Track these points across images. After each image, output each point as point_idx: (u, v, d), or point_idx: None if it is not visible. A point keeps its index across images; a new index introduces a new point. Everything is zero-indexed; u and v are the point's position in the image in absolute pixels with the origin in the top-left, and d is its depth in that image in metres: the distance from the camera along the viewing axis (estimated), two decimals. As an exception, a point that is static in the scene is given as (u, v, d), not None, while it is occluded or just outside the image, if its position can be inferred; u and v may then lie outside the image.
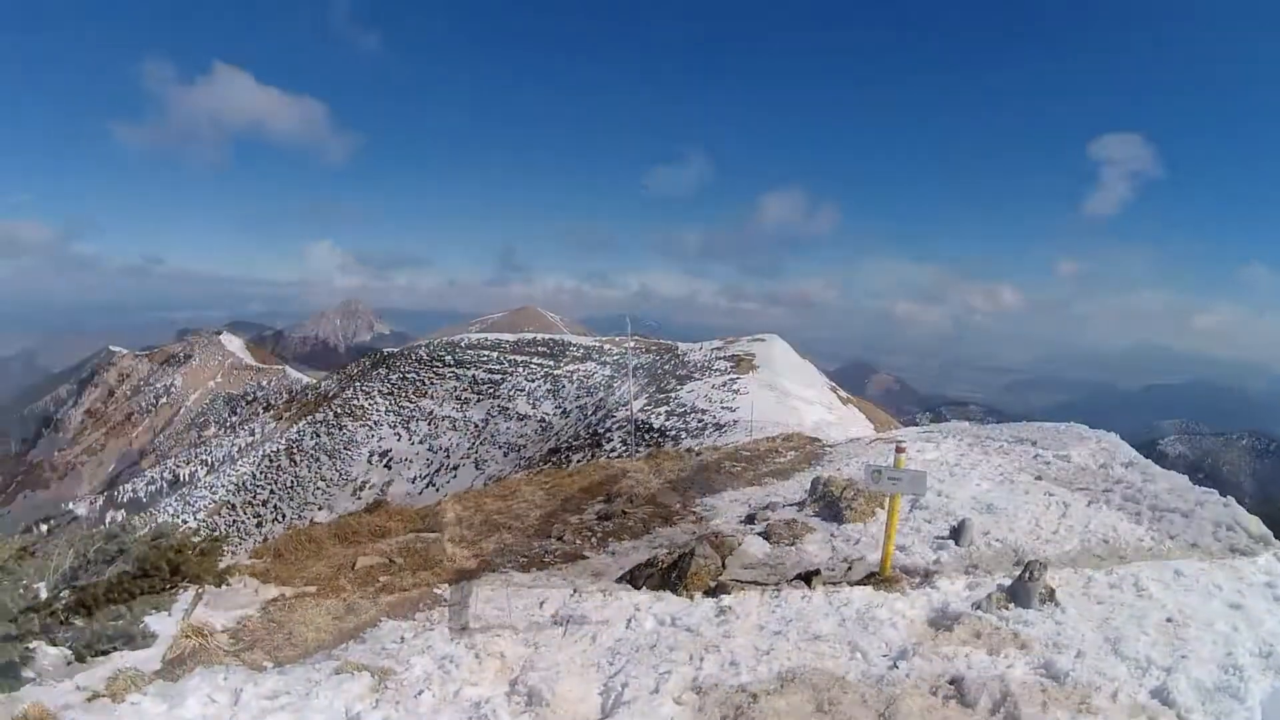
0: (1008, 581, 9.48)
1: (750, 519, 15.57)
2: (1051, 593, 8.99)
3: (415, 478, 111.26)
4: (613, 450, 66.20)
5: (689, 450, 43.42)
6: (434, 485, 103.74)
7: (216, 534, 15.99)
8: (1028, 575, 8.97)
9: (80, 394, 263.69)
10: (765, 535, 13.66)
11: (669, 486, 21.16)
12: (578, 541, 16.05)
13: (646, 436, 67.53)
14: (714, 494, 19.57)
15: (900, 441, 10.31)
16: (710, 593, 10.68)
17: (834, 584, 10.39)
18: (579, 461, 65.06)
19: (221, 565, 14.72)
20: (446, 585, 13.69)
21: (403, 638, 10.27)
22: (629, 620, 9.79)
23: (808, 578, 10.52)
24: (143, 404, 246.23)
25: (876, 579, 10.22)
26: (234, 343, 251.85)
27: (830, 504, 15.09)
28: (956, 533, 11.79)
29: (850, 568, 11.30)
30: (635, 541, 15.65)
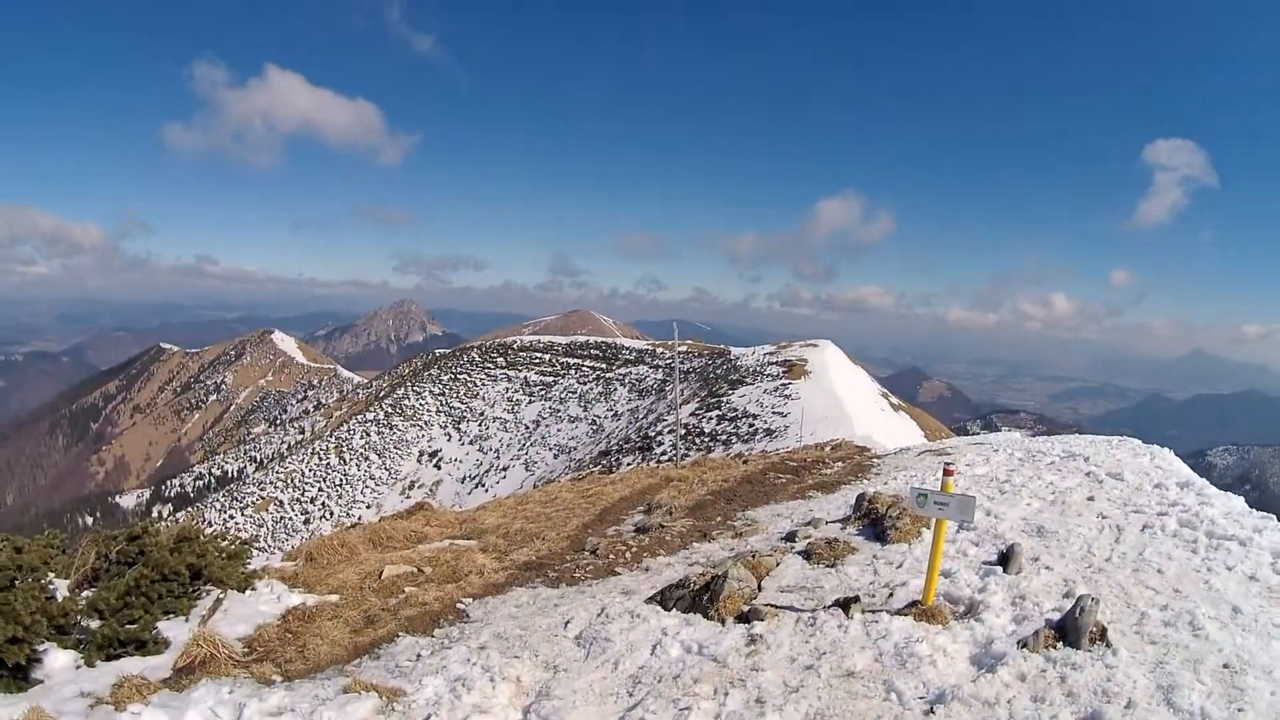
0: (1056, 615, 8.92)
1: (791, 536, 14.97)
2: (1103, 631, 8.42)
3: (465, 478, 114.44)
4: (663, 454, 67.22)
5: (736, 457, 43.13)
6: (483, 486, 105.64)
7: (245, 536, 15.64)
8: (1078, 611, 8.40)
9: (130, 389, 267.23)
10: (805, 555, 13.13)
11: (710, 498, 20.71)
12: (611, 556, 15.59)
13: (697, 441, 69.57)
14: (756, 507, 19.10)
15: (949, 463, 9.65)
16: (743, 618, 10.23)
17: (873, 612, 9.89)
18: (629, 465, 66.74)
19: (251, 567, 14.70)
20: (471, 600, 13.35)
21: (419, 655, 10.00)
22: (655, 646, 9.43)
23: (846, 604, 9.99)
24: (192, 400, 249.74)
25: (918, 609, 9.66)
26: (286, 342, 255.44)
27: (875, 522, 14.54)
28: (1004, 559, 11.16)
29: (891, 594, 10.72)
30: (670, 558, 15.16)
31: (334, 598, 14.00)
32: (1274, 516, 12.98)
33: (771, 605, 10.54)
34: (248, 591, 13.58)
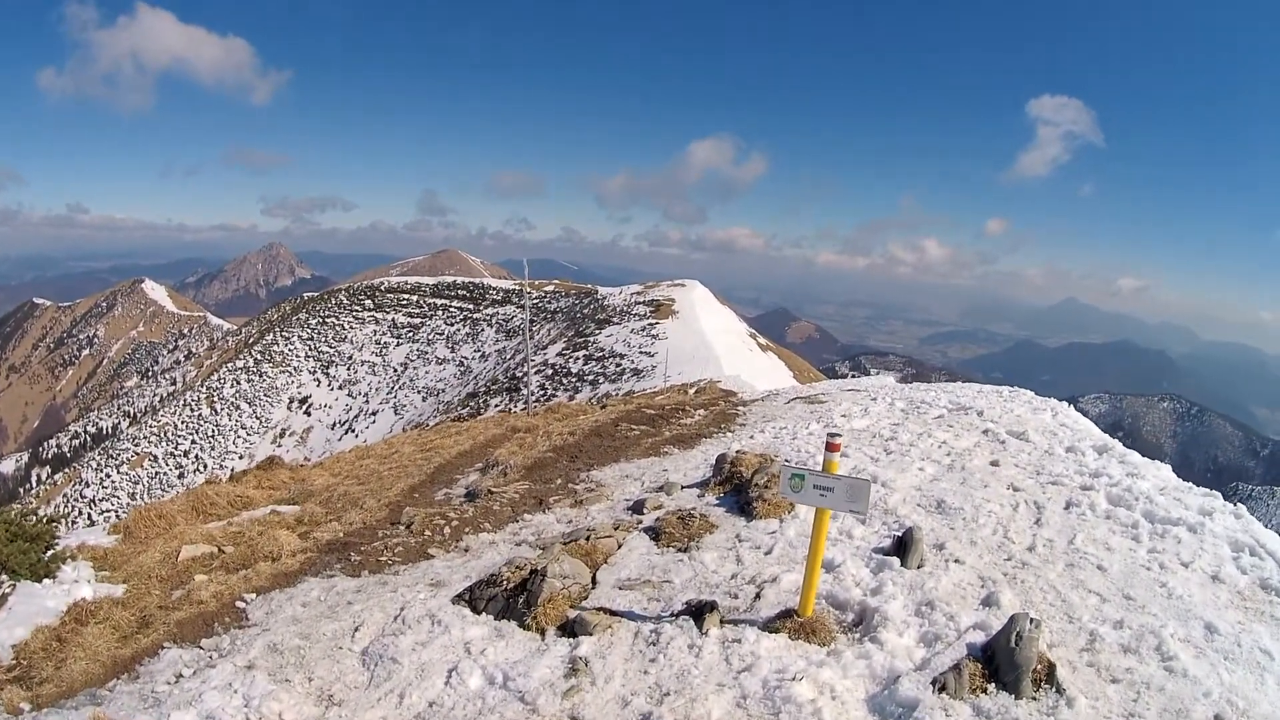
0: (980, 637, 6.93)
1: (639, 506, 12.84)
2: (1050, 670, 6.32)
3: (335, 424, 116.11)
4: (530, 394, 66.48)
5: (594, 402, 41.88)
6: (353, 431, 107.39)
7: (50, 515, 13.61)
8: (1014, 639, 6.32)
9: (4, 348, 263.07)
10: (654, 533, 10.92)
11: (553, 454, 18.70)
12: (427, 533, 13.56)
13: (564, 381, 74.45)
14: (603, 466, 17.27)
15: (833, 432, 7.78)
16: (567, 628, 8.13)
17: (735, 623, 7.77)
18: (497, 406, 70.88)
19: (65, 544, 14.04)
20: (255, 595, 11.33)
21: (179, 675, 8.51)
22: (452, 671, 7.54)
23: (700, 611, 7.86)
24: (66, 356, 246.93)
25: (795, 621, 7.59)
26: (157, 291, 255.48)
27: (738, 489, 12.54)
28: (901, 546, 9.07)
29: (759, 593, 8.51)
30: (496, 534, 13.15)
31: (120, 589, 12.44)
32: (1217, 494, 11.33)
33: (605, 610, 8.42)
34: (46, 581, 12.18)
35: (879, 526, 10.26)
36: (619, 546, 10.57)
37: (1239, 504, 10.91)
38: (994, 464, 13.09)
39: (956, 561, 8.91)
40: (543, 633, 8.20)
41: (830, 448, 7.59)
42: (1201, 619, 7.56)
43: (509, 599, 8.80)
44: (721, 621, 7.75)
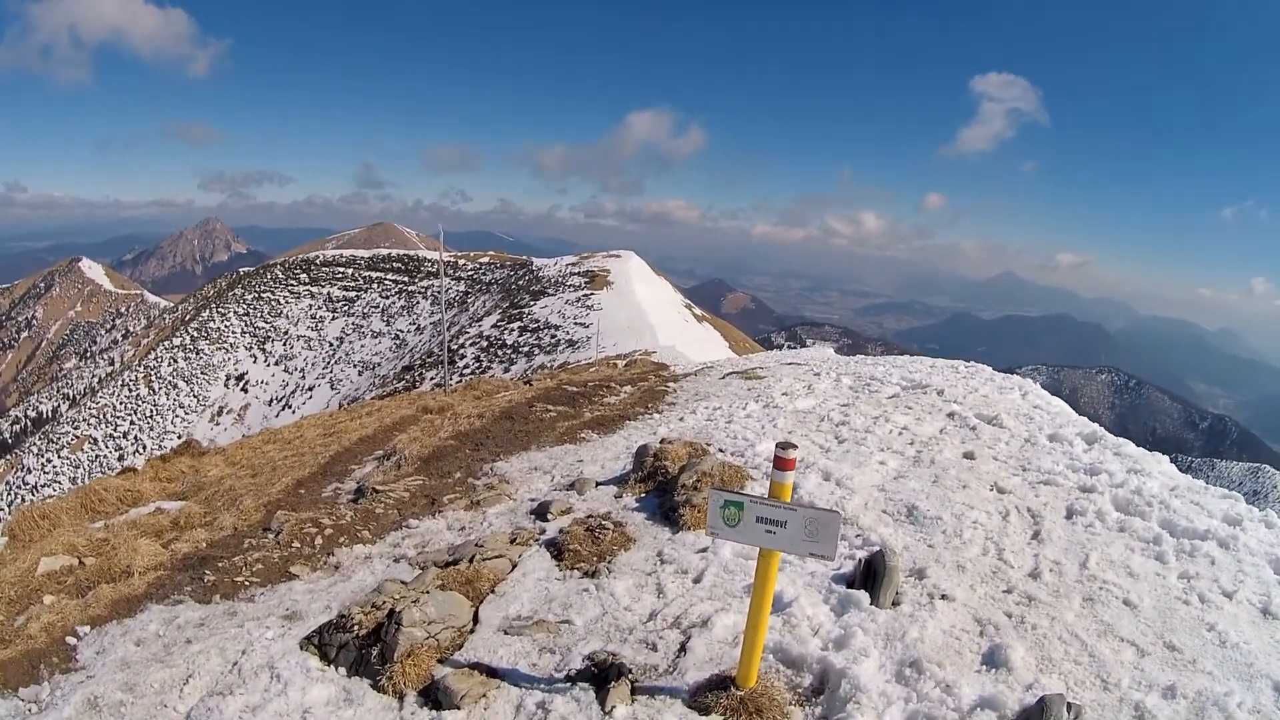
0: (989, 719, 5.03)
1: (543, 510, 10.81)
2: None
3: (272, 400, 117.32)
4: (465, 367, 73.50)
5: (522, 377, 40.59)
6: (290, 407, 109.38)
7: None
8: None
9: None
10: (557, 550, 8.93)
11: (455, 441, 16.67)
12: (295, 544, 11.42)
13: (499, 353, 76.30)
14: (511, 455, 15.21)
15: (784, 444, 5.61)
16: (430, 694, 6.16)
17: (651, 693, 5.83)
18: (432, 379, 72.72)
19: None
20: (90, 627, 9.28)
21: None
22: None
23: (604, 676, 5.91)
24: (4, 339, 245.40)
25: (730, 698, 5.64)
26: (94, 269, 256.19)
27: (663, 489, 10.57)
28: (870, 575, 7.12)
29: (685, 645, 6.51)
30: (373, 546, 11.08)
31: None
32: (1235, 495, 9.88)
33: (482, 668, 6.46)
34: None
35: (839, 544, 8.28)
36: (512, 568, 8.62)
37: (1267, 509, 9.48)
38: (968, 456, 11.36)
39: (944, 597, 7.05)
40: (400, 698, 6.31)
41: (781, 464, 5.57)
42: (1270, 678, 6.06)
43: (361, 648, 6.86)
44: (633, 691, 5.82)
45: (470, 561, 8.54)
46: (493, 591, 8.05)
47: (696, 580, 7.86)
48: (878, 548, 7.59)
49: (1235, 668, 6.20)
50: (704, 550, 8.48)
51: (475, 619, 7.39)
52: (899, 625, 6.52)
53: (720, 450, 12.03)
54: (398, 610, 6.88)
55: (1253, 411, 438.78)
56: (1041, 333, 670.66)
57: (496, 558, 8.68)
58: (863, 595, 6.99)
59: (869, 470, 10.77)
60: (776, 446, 5.48)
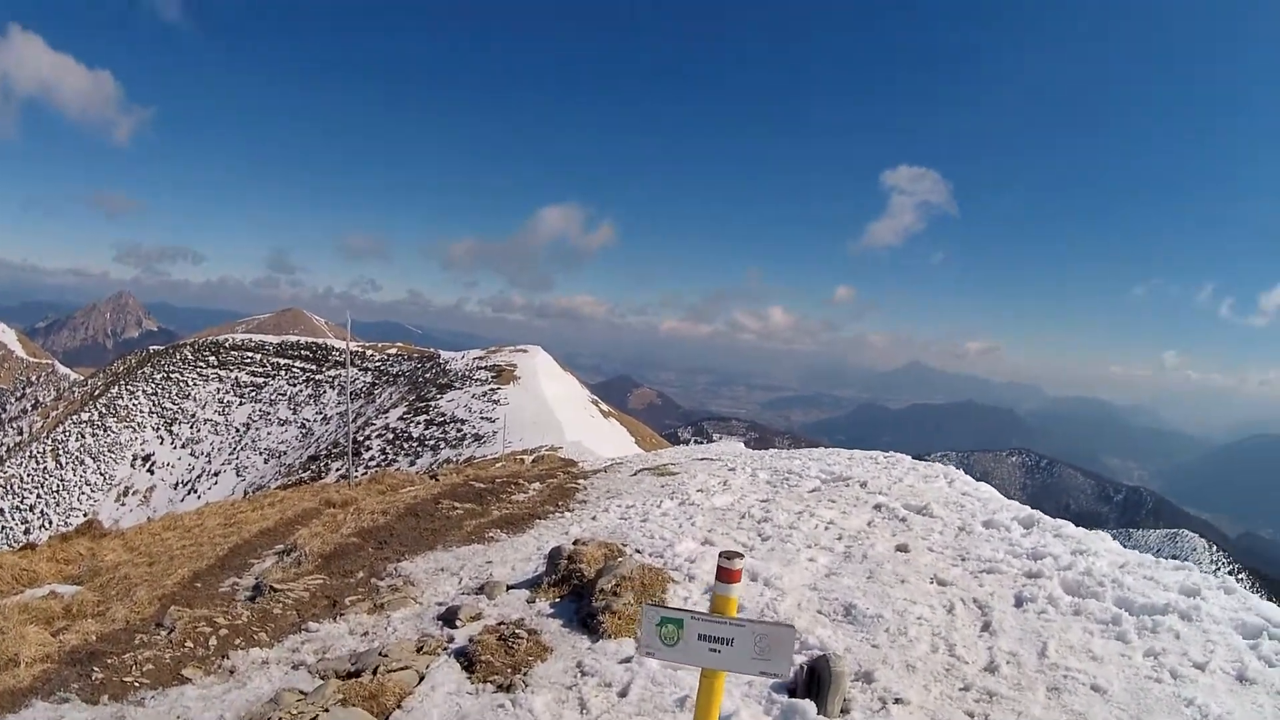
0: None
1: (451, 616, 10.15)
2: None
3: (178, 483, 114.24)
4: (371, 459, 73.18)
5: (427, 471, 40.12)
6: (195, 492, 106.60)
7: None
8: None
9: None
10: (468, 660, 8.30)
11: (357, 539, 15.93)
12: (188, 643, 10.65)
13: (405, 446, 76.78)
14: (416, 555, 14.66)
15: (728, 556, 5.10)
16: None
17: None
18: (338, 470, 73.07)
19: None
20: None
21: None
22: None
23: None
24: None
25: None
26: (8, 334, 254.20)
27: (579, 593, 9.96)
28: (814, 681, 6.55)
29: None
30: (270, 650, 10.33)
31: None
32: (1189, 565, 9.75)
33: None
34: None
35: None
36: (419, 680, 7.98)
37: (1226, 575, 9.42)
38: (902, 549, 10.93)
39: (897, 701, 6.53)
40: None
41: (726, 576, 5.08)
42: None
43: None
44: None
45: (374, 673, 7.99)
46: (399, 707, 7.42)
47: (622, 694, 7.21)
48: (819, 651, 7.07)
49: None
50: (628, 660, 7.83)
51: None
52: (849, 734, 5.96)
53: (638, 551, 11.42)
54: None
55: (1167, 480, 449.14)
56: (950, 419, 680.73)
57: (402, 669, 8.11)
58: (809, 705, 6.39)
59: (798, 568, 10.28)
60: (720, 556, 5.00)
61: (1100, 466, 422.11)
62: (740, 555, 4.90)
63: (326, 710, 6.64)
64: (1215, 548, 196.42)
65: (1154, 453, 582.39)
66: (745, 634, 4.84)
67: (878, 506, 13.48)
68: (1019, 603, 8.52)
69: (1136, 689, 6.58)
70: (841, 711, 6.37)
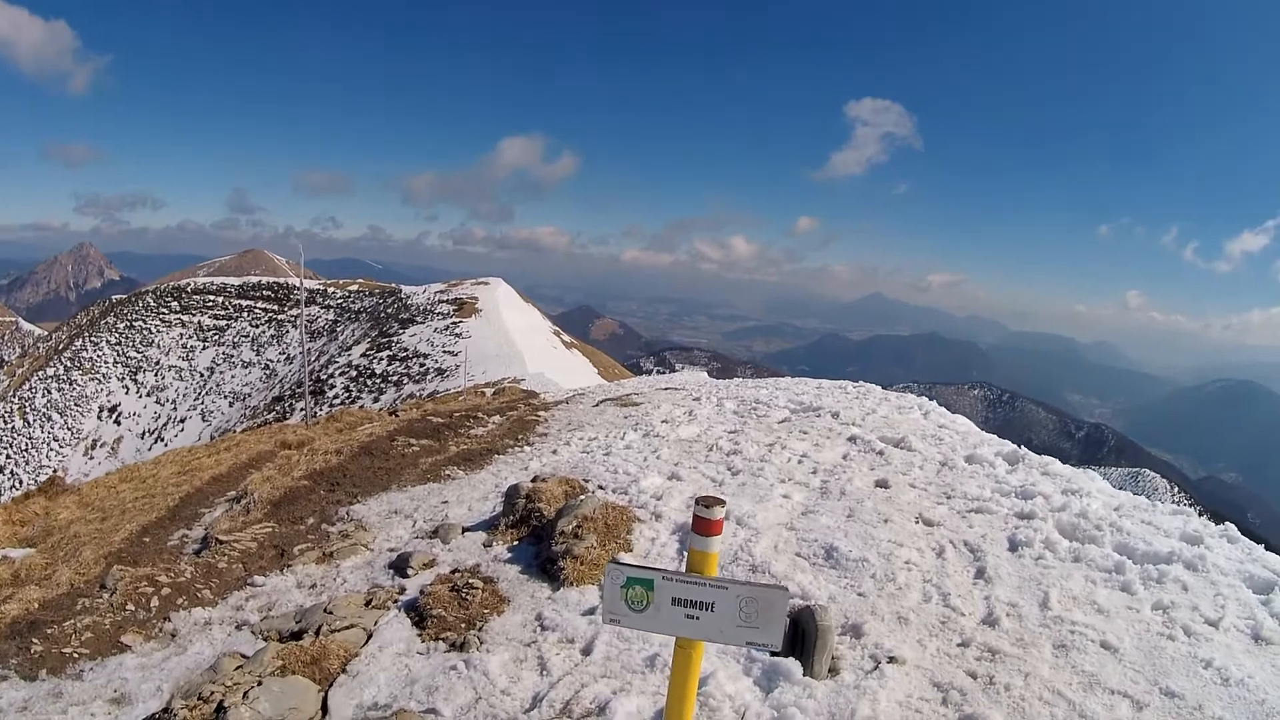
0: None
1: (403, 563, 9.58)
2: None
3: (144, 432, 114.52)
4: (335, 398, 73.77)
5: (389, 408, 39.92)
6: (162, 440, 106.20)
7: None
8: None
9: None
10: (419, 614, 7.64)
11: (308, 482, 15.20)
12: (129, 605, 10.02)
13: (369, 383, 77.51)
14: (370, 496, 13.92)
15: (710, 506, 4.16)
16: None
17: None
18: (302, 411, 69.15)
19: None
20: None
21: None
22: None
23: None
24: None
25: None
26: None
27: (538, 536, 9.35)
28: (797, 636, 5.96)
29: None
30: (213, 610, 9.73)
31: None
32: (1187, 510, 9.33)
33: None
34: None
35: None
36: (367, 638, 7.33)
37: (1227, 523, 8.91)
38: (882, 485, 10.44)
39: (891, 659, 5.97)
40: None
41: (704, 527, 4.23)
42: None
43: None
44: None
45: (317, 634, 7.35)
46: (344, 671, 6.75)
47: (586, 651, 6.59)
48: (801, 601, 6.51)
49: (1247, 709, 5.54)
50: (592, 611, 7.25)
51: (324, 708, 6.11)
52: (844, 701, 5.42)
53: (600, 487, 10.80)
54: (226, 705, 5.62)
55: (1130, 419, 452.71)
56: (912, 351, 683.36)
57: (348, 628, 7.49)
58: (793, 664, 5.83)
59: (772, 506, 9.72)
60: (698, 504, 4.17)
61: (1062, 402, 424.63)
62: (722, 502, 4.09)
63: (259, 684, 6.03)
64: (1177, 489, 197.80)
65: (1116, 391, 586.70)
66: (728, 597, 4.05)
67: (852, 439, 13.05)
68: (1013, 546, 8.04)
69: (1150, 647, 6.14)
70: (830, 671, 5.82)
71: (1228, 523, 8.81)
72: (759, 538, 8.56)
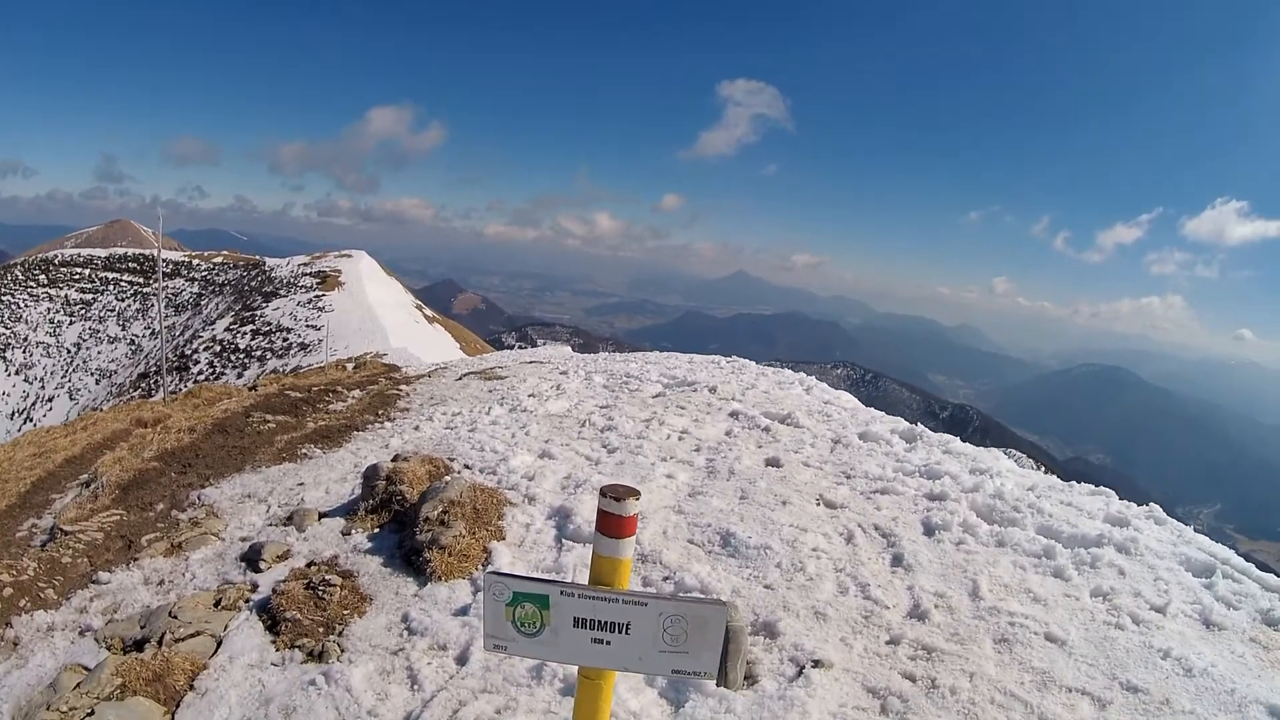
0: None
1: (255, 555, 8.64)
2: None
3: (14, 413, 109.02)
4: (200, 373, 72.57)
5: (249, 385, 39.25)
6: (31, 420, 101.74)
7: None
8: None
9: None
10: (272, 616, 6.84)
11: (161, 462, 14.17)
12: None
13: (233, 358, 74.97)
14: (222, 479, 12.88)
15: (622, 499, 3.36)
16: None
17: None
18: (167, 387, 65.77)
19: None
20: None
21: None
22: None
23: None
24: None
25: None
26: None
27: (401, 521, 8.58)
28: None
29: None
30: (55, 613, 8.54)
31: None
32: (1106, 490, 9.22)
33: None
34: None
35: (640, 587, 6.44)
36: (217, 647, 6.54)
37: (1151, 504, 8.58)
38: (773, 464, 9.87)
39: (816, 664, 5.30)
40: None
41: (611, 526, 3.37)
42: (1261, 702, 5.27)
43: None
44: None
45: (160, 642, 6.48)
46: (191, 688, 5.96)
47: (461, 660, 5.82)
48: (699, 595, 5.83)
49: (1217, 700, 5.27)
50: (464, 611, 6.49)
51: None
52: (769, 715, 4.76)
53: (467, 466, 10.21)
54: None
55: (994, 401, 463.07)
56: (775, 330, 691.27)
57: (194, 635, 6.62)
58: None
59: (656, 487, 9.06)
60: (602, 494, 3.35)
61: (926, 383, 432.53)
62: (636, 493, 3.29)
63: (93, 711, 5.25)
64: (1045, 469, 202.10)
65: (980, 373, 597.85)
66: (648, 616, 3.30)
67: (734, 414, 12.63)
68: (929, 530, 7.53)
69: (1099, 638, 5.68)
70: (746, 679, 5.14)
71: (1152, 503, 8.44)
72: (645, 522, 7.85)
